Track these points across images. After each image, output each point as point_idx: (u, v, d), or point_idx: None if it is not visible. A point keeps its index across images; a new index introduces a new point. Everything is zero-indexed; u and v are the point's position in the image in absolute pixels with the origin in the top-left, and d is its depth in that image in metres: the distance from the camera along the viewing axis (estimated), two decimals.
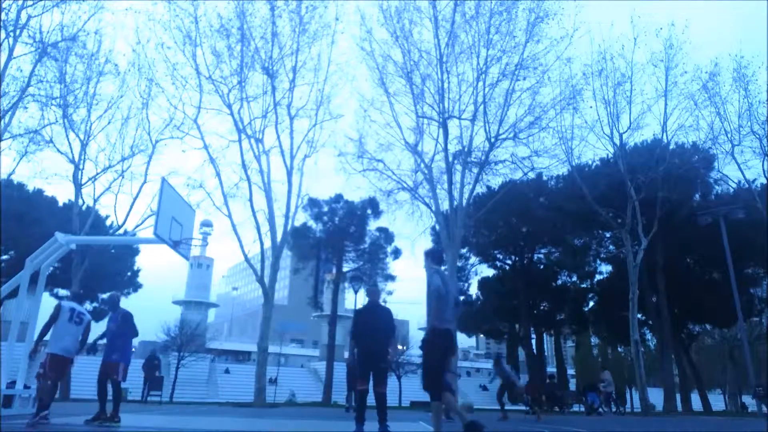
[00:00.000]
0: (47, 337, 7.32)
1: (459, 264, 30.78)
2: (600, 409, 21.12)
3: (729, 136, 24.51)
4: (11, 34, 18.20)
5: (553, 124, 21.90)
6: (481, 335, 60.70)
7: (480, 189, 24.51)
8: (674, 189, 23.99)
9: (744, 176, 25.60)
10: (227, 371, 44.03)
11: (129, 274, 36.53)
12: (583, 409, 23.72)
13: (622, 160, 23.87)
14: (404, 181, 21.71)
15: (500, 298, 36.74)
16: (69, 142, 22.80)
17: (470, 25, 20.95)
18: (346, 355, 29.82)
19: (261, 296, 22.44)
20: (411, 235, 58.40)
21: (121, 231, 25.75)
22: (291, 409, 18.84)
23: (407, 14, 21.26)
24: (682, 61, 23.64)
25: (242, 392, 32.44)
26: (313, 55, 22.23)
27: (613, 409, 21.50)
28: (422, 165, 21.16)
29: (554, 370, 39.69)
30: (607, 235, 32.36)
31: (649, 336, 36.51)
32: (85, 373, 19.05)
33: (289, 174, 21.93)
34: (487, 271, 38.42)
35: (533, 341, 37.59)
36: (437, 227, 23.89)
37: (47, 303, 19.97)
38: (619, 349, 45.82)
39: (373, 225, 33.95)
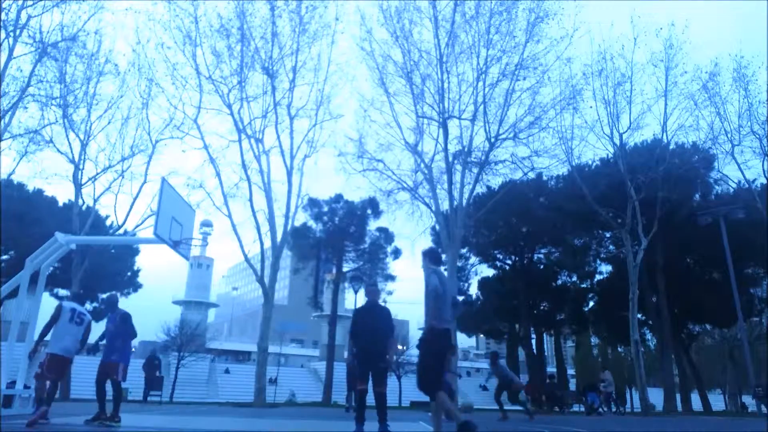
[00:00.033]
0: (47, 337, 7.33)
1: (459, 264, 30.76)
2: (600, 409, 21.11)
3: (729, 136, 24.52)
4: (11, 34, 18.20)
5: (553, 124, 21.94)
6: (481, 335, 60.67)
7: (480, 189, 24.54)
8: (674, 189, 23.97)
9: (744, 176, 25.63)
10: (227, 371, 44.05)
11: (129, 274, 36.55)
12: (583, 409, 23.71)
13: (622, 160, 23.86)
14: (404, 181, 21.74)
15: (500, 298, 36.72)
16: (69, 142, 22.86)
17: (470, 25, 20.97)
18: (346, 355, 29.84)
19: (261, 296, 22.44)
20: (411, 235, 58.51)
21: (121, 231, 25.76)
22: (291, 409, 18.84)
23: (407, 14, 21.30)
24: (682, 61, 23.66)
25: (242, 392, 32.45)
26: (313, 55, 22.28)
27: (613, 409, 21.50)
28: (422, 165, 21.18)
29: (554, 370, 39.67)
30: (607, 235, 32.35)
31: (649, 336, 36.50)
32: (85, 373, 19.04)
33: (289, 174, 21.94)
34: (487, 271, 38.46)
35: (533, 341, 37.57)
36: (437, 227, 23.90)
37: (47, 303, 20.02)
38: (619, 349, 45.83)
39: (373, 225, 34.03)
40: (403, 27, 21.15)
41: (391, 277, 34.33)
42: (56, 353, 7.17)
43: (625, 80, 23.67)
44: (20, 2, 18.09)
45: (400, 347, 34.44)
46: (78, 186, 23.39)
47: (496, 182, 24.58)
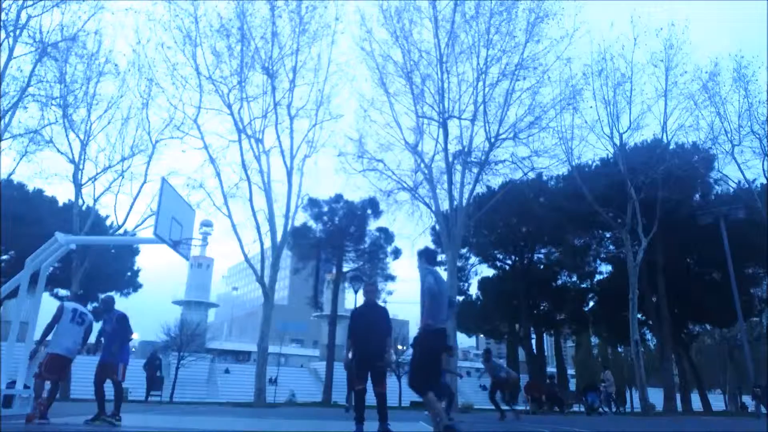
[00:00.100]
0: (49, 338, 7.34)
1: (459, 264, 30.79)
2: (600, 409, 21.11)
3: (729, 136, 24.52)
4: (11, 34, 18.23)
5: (553, 124, 21.97)
6: (481, 335, 60.63)
7: (480, 189, 24.51)
8: (674, 189, 23.95)
9: (744, 176, 25.63)
10: (227, 371, 44.03)
11: (129, 274, 36.57)
12: (583, 409, 23.71)
13: (622, 160, 23.85)
14: (404, 181, 21.76)
15: (500, 298, 36.75)
16: (69, 142, 22.86)
17: (470, 25, 21.00)
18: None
19: (261, 296, 22.44)
20: (411, 235, 58.25)
21: (121, 231, 25.75)
22: (291, 409, 18.84)
23: (407, 14, 21.33)
24: (682, 61, 23.64)
25: (242, 392, 32.44)
26: (313, 55, 22.26)
27: (613, 409, 21.49)
28: (422, 165, 21.20)
29: (554, 370, 39.69)
30: (607, 235, 32.35)
31: (649, 336, 36.48)
32: (85, 373, 19.03)
33: (289, 174, 21.94)
34: (487, 271, 38.50)
35: (533, 341, 37.60)
36: (437, 227, 23.91)
37: (47, 303, 20.02)
38: (619, 349, 45.85)
39: (373, 225, 34.05)
40: (403, 27, 21.20)
41: (391, 277, 34.39)
42: (58, 353, 7.19)
43: (625, 80, 23.68)
44: (20, 2, 18.11)
45: (399, 347, 34.45)
46: (78, 186, 23.40)
47: (496, 182, 24.63)
